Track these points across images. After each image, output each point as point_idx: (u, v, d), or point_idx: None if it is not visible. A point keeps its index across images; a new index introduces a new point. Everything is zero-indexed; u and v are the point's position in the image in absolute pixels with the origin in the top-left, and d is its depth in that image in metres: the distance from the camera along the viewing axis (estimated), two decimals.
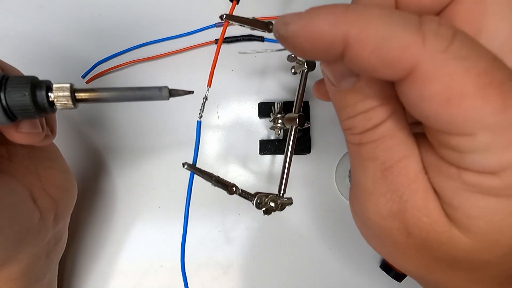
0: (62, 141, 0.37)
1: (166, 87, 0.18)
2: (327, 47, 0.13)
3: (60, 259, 0.32)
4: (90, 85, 0.38)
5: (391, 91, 0.15)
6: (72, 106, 0.18)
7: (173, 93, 0.19)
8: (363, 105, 0.16)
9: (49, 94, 0.18)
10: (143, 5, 0.39)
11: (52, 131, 0.24)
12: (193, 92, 0.19)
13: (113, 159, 0.37)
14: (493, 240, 0.14)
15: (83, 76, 0.37)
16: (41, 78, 0.38)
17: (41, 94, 0.17)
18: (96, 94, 0.18)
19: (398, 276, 0.34)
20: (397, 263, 0.18)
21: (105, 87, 0.18)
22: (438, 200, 0.15)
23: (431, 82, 0.12)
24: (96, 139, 0.37)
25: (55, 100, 0.18)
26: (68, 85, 0.18)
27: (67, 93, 0.17)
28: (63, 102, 0.18)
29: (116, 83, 0.38)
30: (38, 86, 0.17)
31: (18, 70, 0.23)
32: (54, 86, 0.18)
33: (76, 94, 0.18)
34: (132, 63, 0.37)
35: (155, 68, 0.38)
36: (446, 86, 0.12)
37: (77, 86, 0.18)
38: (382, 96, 0.15)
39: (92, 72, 0.38)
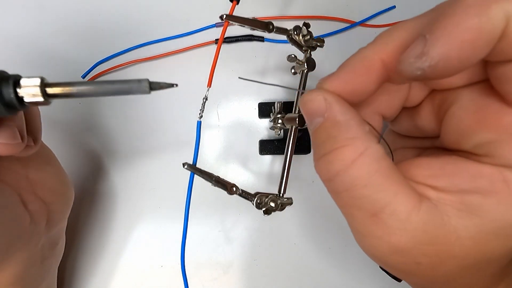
0: (59, 142, 0.37)
1: (146, 79, 0.17)
2: (483, 42, 0.11)
3: (61, 261, 0.32)
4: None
5: (358, 125, 0.15)
6: (43, 101, 0.16)
7: (154, 86, 0.17)
8: (326, 145, 0.15)
9: (17, 90, 0.16)
10: (143, 5, 0.39)
11: (35, 140, 0.23)
12: (176, 85, 0.18)
13: (112, 160, 0.37)
14: (504, 245, 0.14)
15: (83, 76, 0.37)
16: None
17: (7, 89, 0.16)
18: (69, 88, 0.16)
19: None
20: (410, 283, 0.18)
21: (80, 81, 0.17)
22: (445, 217, 0.14)
23: None
24: (95, 140, 0.37)
25: (23, 96, 0.16)
26: (38, 79, 0.16)
27: (37, 88, 0.16)
28: (33, 98, 0.16)
29: None
30: (4, 81, 0.16)
31: None
32: (22, 80, 0.16)
33: (47, 89, 0.16)
34: (132, 63, 0.37)
35: (155, 68, 0.38)
36: None
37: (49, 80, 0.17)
38: (349, 134, 0.15)
39: (92, 72, 0.37)
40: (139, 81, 0.17)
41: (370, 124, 0.16)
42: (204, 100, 0.21)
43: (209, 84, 0.22)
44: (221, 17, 0.22)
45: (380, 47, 0.15)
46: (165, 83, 0.18)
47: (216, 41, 0.37)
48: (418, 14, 0.42)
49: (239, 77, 0.23)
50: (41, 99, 0.16)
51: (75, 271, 0.36)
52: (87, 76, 0.37)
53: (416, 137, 0.21)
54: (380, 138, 0.19)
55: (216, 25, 0.38)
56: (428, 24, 0.13)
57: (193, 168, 0.21)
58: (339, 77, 0.16)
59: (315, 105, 0.16)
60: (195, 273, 0.35)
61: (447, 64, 0.12)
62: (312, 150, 0.17)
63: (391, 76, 0.15)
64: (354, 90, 0.16)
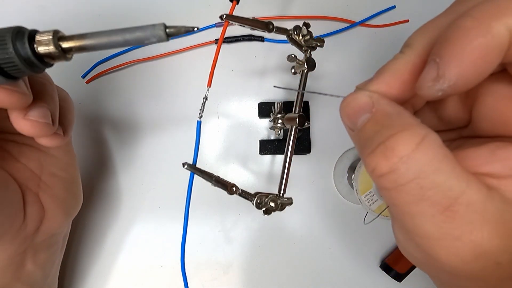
0: None
1: (162, 23, 0.15)
2: (494, 55, 0.12)
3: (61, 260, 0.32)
4: (91, 85, 0.38)
5: (411, 116, 0.14)
6: (62, 56, 0.16)
7: (171, 31, 0.15)
8: (381, 133, 0.13)
9: (34, 44, 0.16)
10: (143, 5, 0.39)
11: (65, 131, 0.23)
12: (197, 28, 0.16)
13: (112, 160, 0.37)
14: None
15: (83, 76, 0.37)
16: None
17: (22, 44, 0.15)
18: (82, 41, 0.16)
19: (398, 276, 0.34)
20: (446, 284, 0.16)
21: (91, 32, 0.16)
22: None
23: None
24: (95, 139, 0.37)
25: (37, 47, 0.16)
26: (52, 31, 0.16)
27: (49, 39, 0.15)
28: (49, 51, 0.16)
29: (116, 83, 0.38)
30: (20, 36, 0.16)
31: None
32: (38, 34, 0.16)
33: (60, 43, 0.16)
34: (132, 63, 0.37)
35: (155, 68, 0.38)
36: None
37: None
38: (405, 121, 0.14)
39: (92, 72, 0.38)
40: (154, 26, 0.15)
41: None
42: (204, 100, 0.21)
43: (209, 84, 0.22)
44: (221, 17, 0.22)
45: (418, 50, 0.15)
46: (184, 27, 0.15)
47: (216, 41, 0.37)
48: (417, 14, 0.42)
49: (274, 86, 0.22)
50: (56, 51, 0.16)
51: (75, 270, 0.36)
52: (87, 76, 0.37)
53: (438, 131, 0.21)
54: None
55: (216, 25, 0.38)
56: (435, 47, 0.13)
57: (193, 168, 0.21)
58: (383, 79, 0.15)
59: (361, 101, 0.15)
60: (195, 273, 0.35)
61: (465, 80, 0.12)
62: (358, 151, 0.16)
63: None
64: (398, 95, 0.15)
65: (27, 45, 0.16)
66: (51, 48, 0.16)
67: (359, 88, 0.16)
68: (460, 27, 0.12)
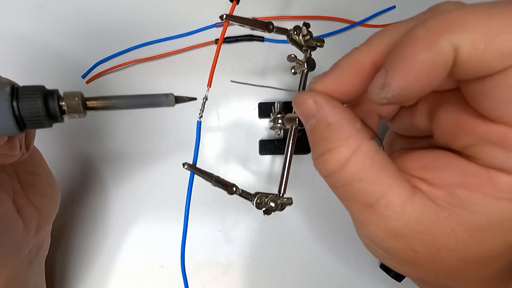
0: (58, 140, 0.37)
1: (172, 94, 0.19)
2: (437, 71, 0.12)
3: (60, 260, 0.32)
4: (91, 85, 0.38)
5: (351, 123, 0.16)
6: (83, 114, 0.18)
7: (178, 99, 0.19)
8: (322, 145, 0.16)
9: (61, 103, 0.18)
10: (143, 5, 0.39)
11: (28, 147, 0.23)
12: (196, 98, 0.20)
13: (112, 159, 0.37)
14: (503, 241, 0.15)
15: (83, 76, 0.37)
16: (41, 78, 0.38)
17: (53, 103, 0.17)
18: (105, 102, 0.18)
19: (398, 276, 0.34)
20: (406, 274, 0.18)
21: (113, 95, 0.18)
22: (438, 209, 0.15)
23: None
24: (95, 138, 0.37)
25: (66, 108, 0.18)
26: (79, 92, 0.18)
27: (78, 101, 0.18)
28: (74, 110, 0.18)
29: (116, 83, 0.38)
30: (50, 95, 0.18)
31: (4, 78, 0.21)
32: (65, 93, 0.18)
33: (86, 103, 0.18)
34: (132, 63, 0.37)
35: (155, 68, 0.38)
36: None
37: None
38: (342, 134, 0.16)
39: (92, 72, 0.38)
40: (166, 95, 0.19)
41: (363, 121, 0.17)
42: (204, 100, 0.21)
43: (209, 84, 0.22)
44: (221, 17, 0.22)
45: (371, 49, 0.15)
46: (187, 97, 0.20)
47: (216, 41, 0.37)
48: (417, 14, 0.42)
49: (232, 81, 0.23)
50: (81, 111, 0.18)
51: (74, 270, 0.36)
52: (87, 76, 0.37)
53: (415, 137, 0.22)
54: (376, 136, 0.20)
55: (216, 25, 0.38)
56: (389, 53, 0.14)
57: (193, 168, 0.21)
58: (330, 78, 0.17)
59: (307, 107, 0.17)
60: (195, 273, 0.35)
61: (407, 92, 0.13)
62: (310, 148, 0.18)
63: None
64: (344, 91, 0.16)
65: (56, 104, 0.17)
66: (80, 112, 0.18)
67: (311, 84, 0.17)
68: (412, 36, 0.13)
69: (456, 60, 0.12)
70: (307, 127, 0.18)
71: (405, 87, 0.13)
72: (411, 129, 0.21)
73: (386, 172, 0.15)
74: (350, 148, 0.15)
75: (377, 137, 0.20)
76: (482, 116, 0.14)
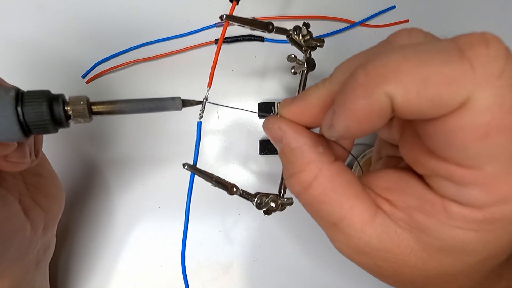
0: (60, 141, 0.37)
1: (179, 97, 0.19)
2: (375, 117, 0.13)
3: (61, 261, 0.32)
4: (91, 85, 0.38)
5: (315, 146, 0.17)
6: (88, 119, 0.18)
7: (185, 103, 0.19)
8: (288, 169, 0.18)
9: (66, 108, 0.17)
10: (143, 5, 0.39)
11: (37, 154, 0.23)
12: (202, 102, 0.21)
13: (112, 159, 0.37)
14: (460, 261, 0.15)
15: (83, 76, 0.37)
16: (41, 78, 0.38)
17: (58, 108, 0.17)
18: (110, 106, 0.18)
19: None
20: (378, 278, 0.19)
21: (119, 99, 0.18)
22: (398, 229, 0.16)
23: (481, 114, 0.12)
24: (95, 139, 0.37)
25: (71, 113, 0.17)
26: (84, 97, 0.17)
27: (84, 106, 0.17)
28: (80, 115, 0.17)
29: (116, 83, 0.38)
30: (55, 100, 0.17)
31: (3, 80, 0.21)
32: (70, 98, 0.17)
33: (92, 107, 0.18)
34: (132, 63, 0.37)
35: (155, 68, 0.38)
36: (492, 118, 0.12)
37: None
38: (304, 159, 0.17)
39: (92, 72, 0.37)
40: (173, 99, 0.19)
41: (338, 144, 0.19)
42: (205, 100, 0.21)
43: (209, 85, 0.22)
44: (221, 17, 0.22)
45: (333, 85, 0.16)
46: (195, 101, 0.20)
47: (216, 41, 0.37)
48: (417, 14, 0.42)
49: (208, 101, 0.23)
50: (87, 115, 0.17)
51: (75, 270, 0.36)
52: (87, 76, 0.37)
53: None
54: (348, 153, 0.20)
55: (216, 25, 0.38)
56: (337, 95, 0.14)
57: (194, 169, 0.21)
58: (296, 106, 0.18)
59: (273, 132, 0.18)
60: (195, 273, 0.35)
61: (351, 133, 0.14)
62: None
63: None
64: (308, 121, 0.18)
65: (61, 108, 0.17)
66: (85, 117, 0.17)
67: (280, 108, 0.19)
68: (353, 80, 0.13)
69: (393, 107, 0.12)
70: (278, 150, 0.19)
71: (347, 129, 0.14)
72: (392, 139, 0.22)
73: (347, 193, 0.16)
74: (311, 173, 0.17)
75: (351, 154, 0.20)
76: (431, 151, 0.14)
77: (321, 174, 0.16)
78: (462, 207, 0.14)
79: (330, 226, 0.17)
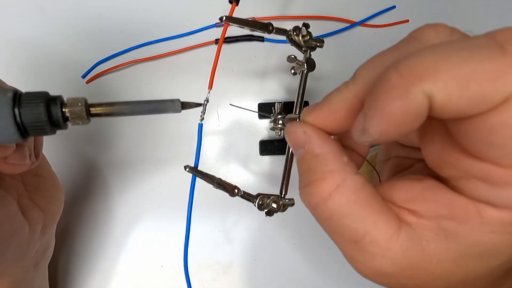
0: (59, 141, 0.37)
1: (178, 99, 0.18)
2: (413, 118, 0.12)
3: (61, 261, 0.32)
4: (91, 85, 0.38)
5: (338, 157, 0.16)
6: (86, 121, 0.18)
7: (185, 105, 0.19)
8: (307, 176, 0.17)
9: (64, 109, 0.17)
10: (143, 5, 0.39)
11: (37, 156, 0.23)
12: (202, 104, 0.20)
13: (112, 159, 0.37)
14: (485, 266, 0.15)
15: (83, 76, 0.37)
16: (41, 78, 0.38)
17: (56, 109, 0.17)
18: (109, 108, 0.18)
19: None
20: None
21: (117, 101, 0.18)
22: (424, 242, 0.15)
23: None
24: (95, 139, 0.37)
25: (69, 115, 0.17)
26: (82, 99, 0.17)
27: (82, 108, 0.17)
28: (77, 117, 0.17)
29: (116, 83, 0.38)
30: (52, 101, 0.17)
31: (2, 81, 0.21)
32: (68, 100, 0.17)
33: (90, 109, 0.18)
34: (132, 63, 0.37)
35: (155, 68, 0.38)
36: None
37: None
38: (327, 167, 0.16)
39: (92, 72, 0.37)
40: (172, 101, 0.18)
41: (355, 151, 0.18)
42: (206, 102, 0.21)
43: (210, 86, 0.22)
44: (220, 18, 0.22)
45: (358, 86, 0.15)
46: (194, 103, 0.19)
47: (216, 41, 0.37)
48: (417, 14, 0.42)
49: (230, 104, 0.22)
50: (85, 117, 0.17)
51: (75, 270, 0.36)
52: (87, 76, 0.37)
53: (411, 147, 0.22)
54: (364, 160, 0.20)
55: (216, 25, 0.38)
56: (367, 97, 0.14)
57: (195, 171, 0.21)
58: (321, 112, 0.17)
59: (297, 137, 0.17)
60: (195, 273, 0.35)
61: (387, 137, 0.13)
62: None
63: None
64: (333, 127, 0.17)
65: (59, 110, 0.17)
66: (83, 118, 0.17)
67: (303, 115, 0.18)
68: (385, 81, 0.13)
69: (431, 106, 0.12)
70: (296, 157, 0.18)
71: (382, 134, 0.13)
72: (406, 140, 0.21)
73: (371, 207, 0.15)
74: (334, 182, 0.16)
75: (369, 163, 0.20)
76: (466, 150, 0.14)
77: (344, 185, 0.16)
78: (498, 210, 0.14)
79: (351, 244, 0.16)
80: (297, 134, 0.17)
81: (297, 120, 0.25)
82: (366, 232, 0.15)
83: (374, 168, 0.21)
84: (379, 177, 0.23)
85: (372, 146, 0.33)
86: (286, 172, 0.24)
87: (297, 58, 0.27)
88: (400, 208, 0.16)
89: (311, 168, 0.16)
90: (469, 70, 0.11)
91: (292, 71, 0.28)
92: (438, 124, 0.15)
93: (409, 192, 0.16)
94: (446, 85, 0.11)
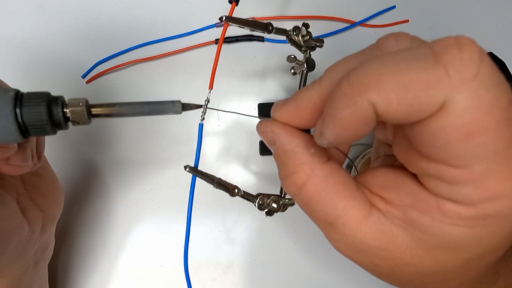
0: (59, 141, 0.37)
1: (179, 101, 0.19)
2: (361, 124, 0.13)
3: (61, 261, 0.32)
4: (91, 85, 0.38)
5: (307, 148, 0.17)
6: (87, 121, 0.18)
7: (185, 107, 0.19)
8: (281, 170, 0.18)
9: (65, 109, 0.17)
10: (143, 5, 0.39)
11: (39, 157, 0.23)
12: (202, 106, 0.21)
13: (112, 159, 0.37)
14: (457, 258, 0.16)
15: (83, 76, 0.37)
16: (41, 78, 0.38)
17: (56, 109, 0.17)
18: (110, 109, 0.18)
19: None
20: (376, 277, 0.20)
21: (118, 102, 0.18)
22: (393, 227, 0.16)
23: (460, 116, 0.12)
24: (95, 139, 0.37)
25: (70, 115, 0.17)
26: (83, 99, 0.17)
27: (83, 108, 0.17)
28: (78, 117, 0.17)
29: (116, 83, 0.38)
30: (54, 101, 0.17)
31: (4, 83, 0.21)
32: (70, 100, 0.17)
33: (91, 110, 0.18)
34: (132, 63, 0.37)
35: (155, 68, 0.38)
36: (472, 119, 0.12)
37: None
38: (296, 161, 0.17)
39: (92, 72, 0.37)
40: (173, 102, 0.19)
41: (336, 148, 0.19)
42: (206, 102, 0.21)
43: (210, 87, 0.22)
44: (220, 18, 0.22)
45: (322, 88, 0.17)
46: (195, 104, 0.20)
47: (216, 41, 0.37)
48: (417, 14, 0.42)
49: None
50: (86, 118, 0.17)
51: (75, 270, 0.36)
52: (87, 76, 0.37)
53: None
54: (345, 156, 0.20)
55: (216, 25, 0.38)
56: (326, 103, 0.15)
57: (195, 171, 0.21)
58: (288, 109, 0.18)
59: (267, 136, 0.19)
60: (195, 273, 0.35)
61: (340, 140, 0.14)
62: None
63: None
64: (299, 123, 0.18)
65: (60, 110, 0.17)
66: (84, 119, 0.18)
67: (272, 111, 0.19)
68: (338, 89, 0.14)
69: (377, 113, 0.13)
70: (272, 152, 0.19)
71: (336, 137, 0.14)
72: (387, 140, 0.22)
73: (341, 192, 0.17)
74: (304, 174, 0.17)
75: (343, 153, 0.20)
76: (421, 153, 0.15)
77: (313, 175, 0.17)
78: (455, 204, 0.14)
79: (326, 226, 0.17)
80: (266, 133, 0.19)
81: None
82: (338, 216, 0.16)
83: (352, 161, 0.24)
84: (357, 171, 0.26)
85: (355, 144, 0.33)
86: None
87: (297, 58, 0.27)
88: (373, 194, 0.17)
89: (284, 163, 0.18)
90: (406, 79, 0.12)
91: (292, 71, 0.28)
92: (399, 128, 0.16)
93: (382, 179, 0.18)
94: (386, 94, 0.12)
